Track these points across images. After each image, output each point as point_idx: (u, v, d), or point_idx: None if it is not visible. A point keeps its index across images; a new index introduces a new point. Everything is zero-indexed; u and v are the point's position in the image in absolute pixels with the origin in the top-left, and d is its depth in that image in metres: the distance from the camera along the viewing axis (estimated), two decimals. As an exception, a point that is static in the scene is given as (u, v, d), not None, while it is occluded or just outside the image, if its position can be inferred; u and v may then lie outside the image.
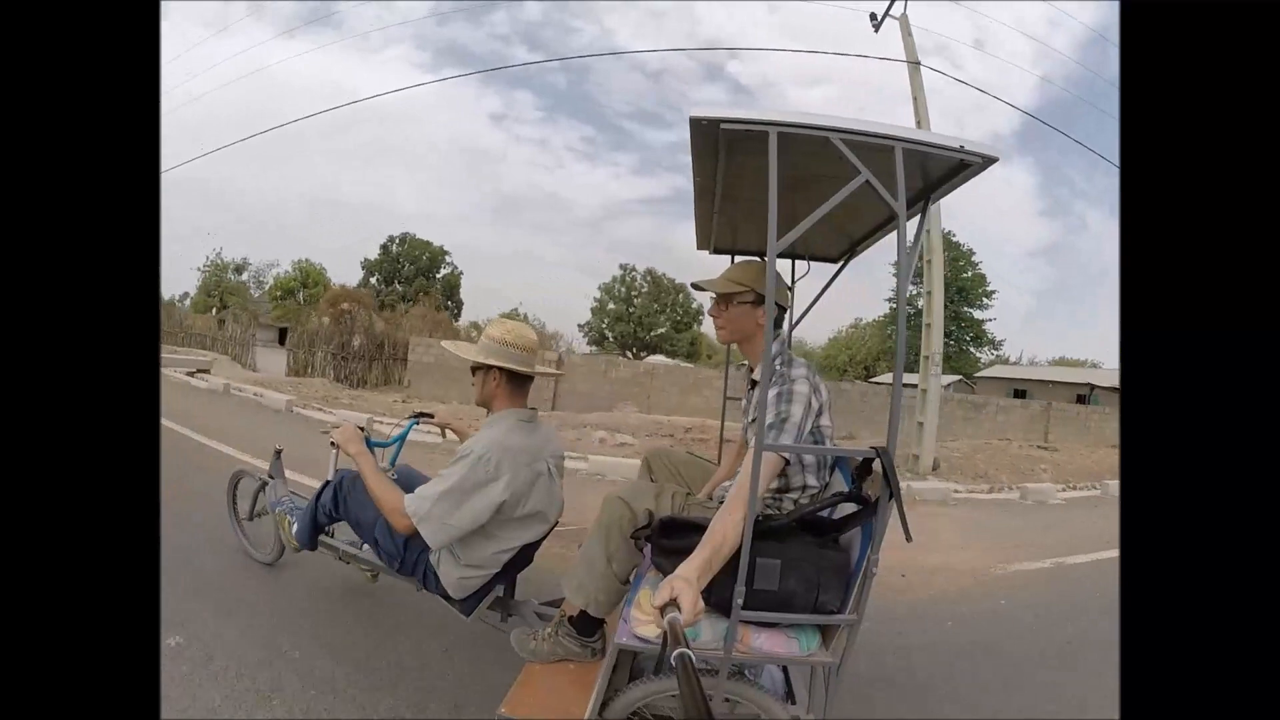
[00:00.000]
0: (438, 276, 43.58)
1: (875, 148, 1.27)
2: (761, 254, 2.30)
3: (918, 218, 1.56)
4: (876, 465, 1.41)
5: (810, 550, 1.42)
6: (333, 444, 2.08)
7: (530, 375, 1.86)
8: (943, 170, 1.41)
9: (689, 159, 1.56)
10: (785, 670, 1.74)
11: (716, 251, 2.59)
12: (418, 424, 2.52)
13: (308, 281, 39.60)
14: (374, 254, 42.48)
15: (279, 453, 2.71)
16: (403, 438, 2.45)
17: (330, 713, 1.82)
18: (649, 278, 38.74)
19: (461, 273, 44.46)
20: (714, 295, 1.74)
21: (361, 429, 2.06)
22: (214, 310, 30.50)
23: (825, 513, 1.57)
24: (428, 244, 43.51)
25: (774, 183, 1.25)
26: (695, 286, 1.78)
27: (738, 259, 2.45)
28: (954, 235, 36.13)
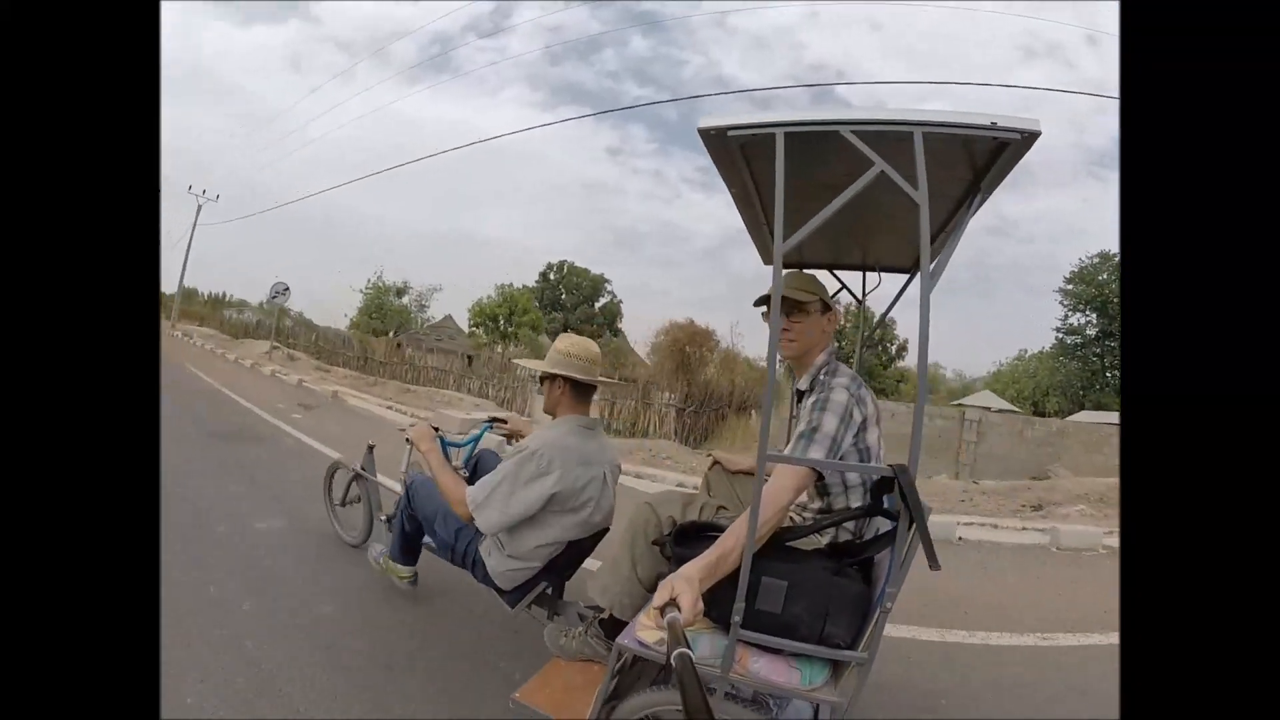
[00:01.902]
0: (597, 305, 42.89)
1: (893, 136, 1.17)
2: (831, 266, 2.19)
3: (965, 211, 1.43)
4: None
5: (822, 576, 1.32)
6: (408, 440, 2.25)
7: (593, 385, 2.01)
8: (985, 155, 1.29)
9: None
10: (816, 705, 1.54)
11: (784, 266, 2.43)
12: (490, 429, 2.72)
13: (515, 308, 37.08)
14: (529, 282, 41.56)
15: (371, 448, 2.98)
16: (477, 440, 2.65)
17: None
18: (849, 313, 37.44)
19: (621, 300, 43.55)
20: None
21: (436, 429, 2.29)
22: (391, 334, 29.10)
23: (844, 535, 1.50)
24: (586, 271, 42.90)
25: (780, 183, 1.22)
26: (763, 301, 1.66)
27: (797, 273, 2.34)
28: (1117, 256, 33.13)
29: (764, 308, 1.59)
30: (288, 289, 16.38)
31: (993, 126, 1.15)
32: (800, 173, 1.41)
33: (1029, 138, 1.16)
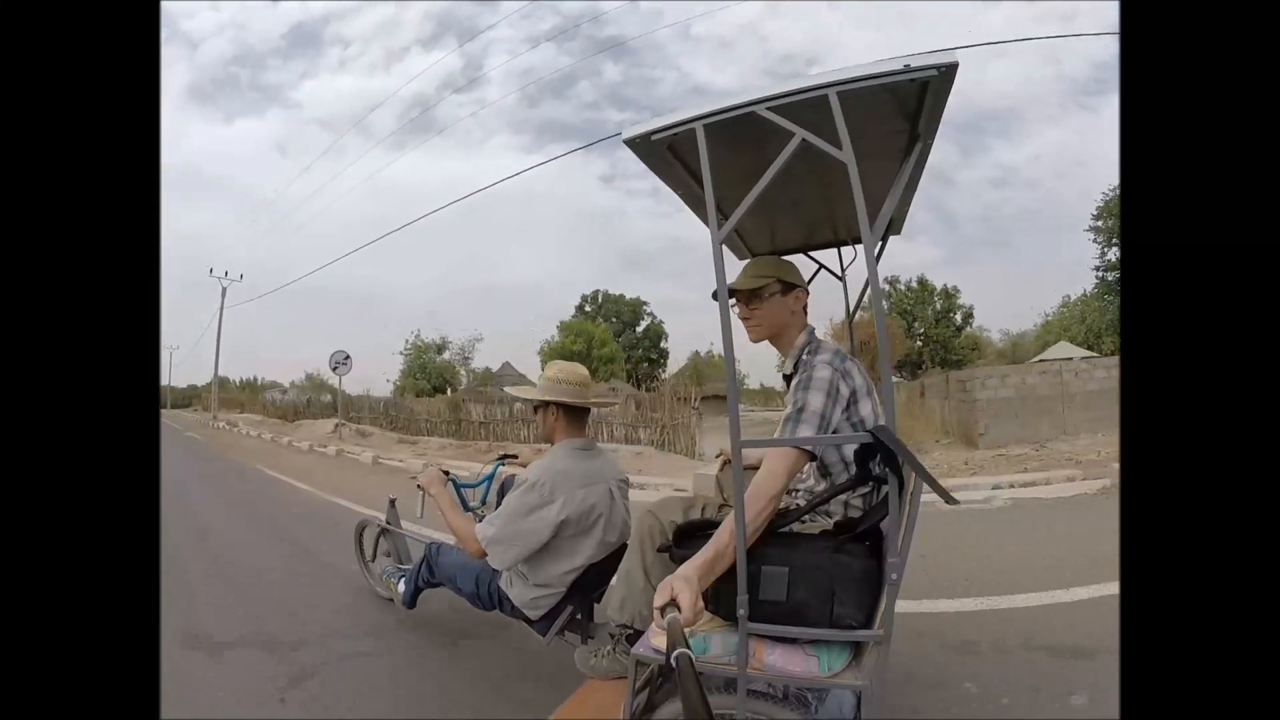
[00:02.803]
0: (637, 330, 42.08)
1: (810, 104, 1.16)
2: (805, 248, 2.20)
3: (909, 161, 1.37)
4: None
5: (823, 556, 1.28)
6: (419, 487, 2.28)
7: (586, 408, 2.04)
8: (913, 100, 1.25)
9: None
10: (859, 695, 1.42)
11: (755, 255, 2.30)
12: (503, 465, 2.77)
13: (592, 343, 34.14)
14: (565, 317, 40.21)
15: (393, 502, 3.00)
16: (490, 478, 2.70)
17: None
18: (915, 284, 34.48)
19: (662, 321, 42.60)
20: (740, 295, 1.65)
21: (446, 472, 2.32)
22: (448, 391, 27.79)
23: (854, 513, 1.48)
24: (621, 297, 42.10)
25: (707, 175, 1.22)
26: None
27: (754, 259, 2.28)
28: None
29: (730, 300, 1.62)
30: (349, 357, 15.04)
31: (907, 69, 1.12)
32: (740, 160, 1.41)
33: (948, 71, 1.12)
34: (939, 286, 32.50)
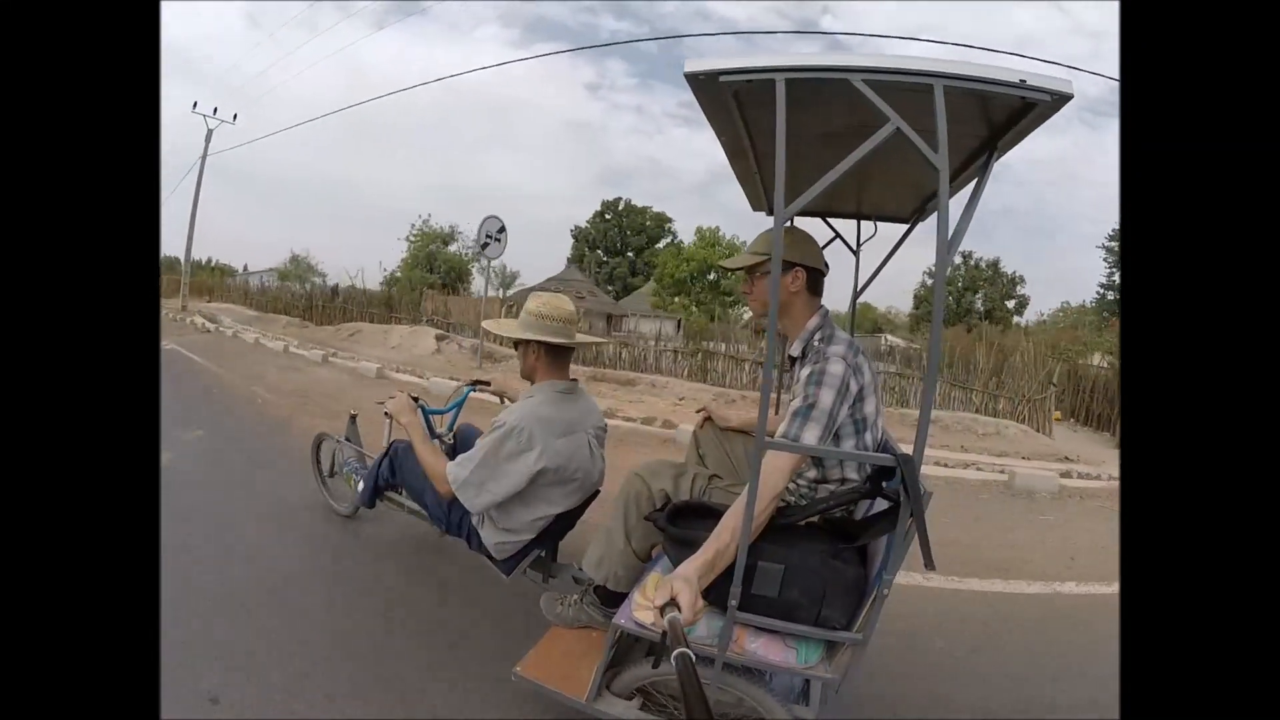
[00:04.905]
0: (659, 247, 37.88)
1: (909, 88, 1.07)
2: (823, 214, 2.11)
3: (980, 171, 1.30)
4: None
5: (818, 560, 1.31)
6: (386, 414, 2.16)
7: (570, 346, 1.92)
8: (1006, 113, 1.18)
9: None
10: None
11: (773, 214, 2.28)
12: (474, 391, 2.65)
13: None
14: (581, 223, 37.78)
15: (354, 417, 2.91)
16: (459, 404, 2.57)
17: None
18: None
19: (682, 241, 37.88)
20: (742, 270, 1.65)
21: (416, 399, 2.17)
22: (500, 293, 24.27)
23: (851, 513, 1.48)
24: (647, 209, 38.68)
25: (782, 136, 1.11)
26: (720, 268, 1.71)
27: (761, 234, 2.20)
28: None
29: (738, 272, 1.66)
30: (504, 229, 9.81)
31: (1021, 84, 1.04)
32: (798, 120, 1.33)
33: (1059, 100, 1.06)
34: (1009, 273, 34.84)
